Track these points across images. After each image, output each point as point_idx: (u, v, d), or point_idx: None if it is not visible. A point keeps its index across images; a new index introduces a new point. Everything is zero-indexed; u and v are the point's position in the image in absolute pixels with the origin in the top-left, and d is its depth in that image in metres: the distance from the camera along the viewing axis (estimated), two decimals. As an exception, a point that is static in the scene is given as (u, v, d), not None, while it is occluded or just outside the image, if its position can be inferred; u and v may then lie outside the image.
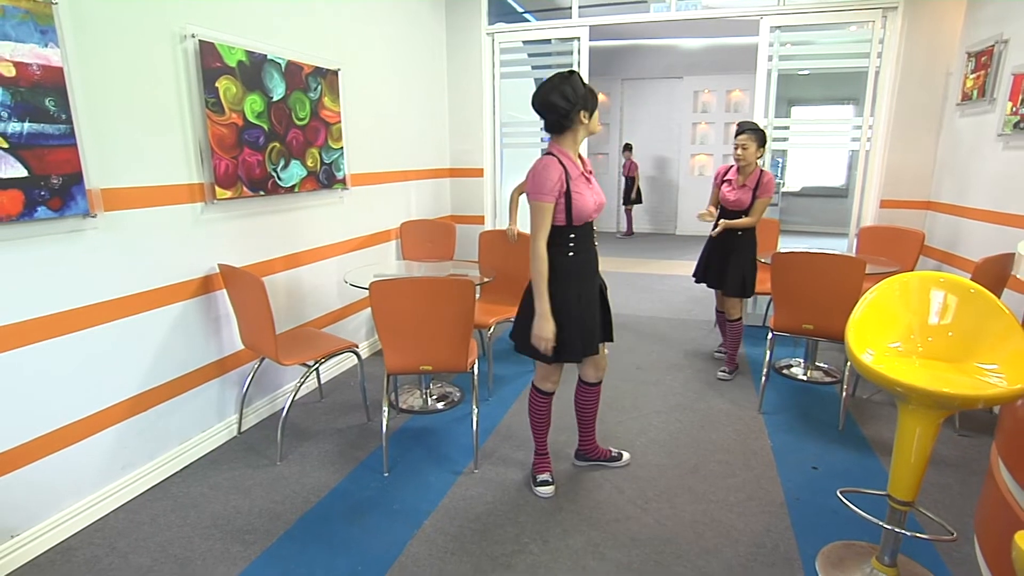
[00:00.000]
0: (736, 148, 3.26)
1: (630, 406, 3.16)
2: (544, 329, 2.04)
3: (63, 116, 1.94)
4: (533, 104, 2.04)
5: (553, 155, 2.04)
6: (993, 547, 1.74)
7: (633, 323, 4.68)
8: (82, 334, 2.10)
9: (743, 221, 3.29)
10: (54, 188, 1.92)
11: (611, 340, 2.32)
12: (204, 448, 2.66)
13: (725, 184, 3.39)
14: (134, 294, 2.28)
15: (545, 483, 2.35)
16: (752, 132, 3.22)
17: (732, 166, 3.39)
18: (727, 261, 3.39)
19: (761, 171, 3.28)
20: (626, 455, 2.58)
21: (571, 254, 2.09)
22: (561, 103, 1.98)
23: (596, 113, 2.08)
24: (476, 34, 4.63)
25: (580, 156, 2.13)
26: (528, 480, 2.42)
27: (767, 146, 3.45)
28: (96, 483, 2.20)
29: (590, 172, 2.14)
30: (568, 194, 2.01)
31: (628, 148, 9.15)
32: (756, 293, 3.87)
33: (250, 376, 2.81)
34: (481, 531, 2.12)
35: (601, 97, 9.68)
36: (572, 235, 2.08)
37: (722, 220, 3.35)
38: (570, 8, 4.45)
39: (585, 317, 2.12)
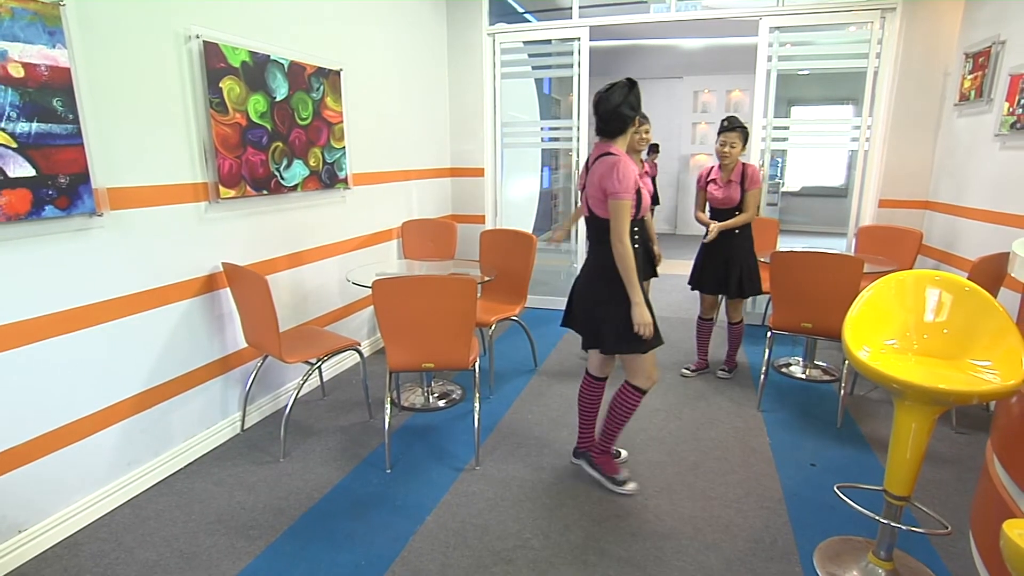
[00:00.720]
0: (724, 145, 3.20)
1: (630, 404, 3.18)
2: (644, 315, 2.12)
3: (70, 116, 1.96)
4: (598, 110, 2.14)
5: (615, 154, 2.11)
6: (988, 541, 1.76)
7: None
8: (88, 332, 2.12)
9: (739, 219, 3.26)
10: (61, 187, 1.94)
11: None
12: (208, 445, 2.68)
13: (711, 184, 3.35)
14: (139, 292, 2.30)
15: (628, 480, 2.38)
16: (741, 131, 3.20)
17: (713, 166, 3.37)
18: (727, 264, 3.33)
19: (744, 164, 3.25)
20: (624, 452, 2.60)
21: (636, 246, 2.16)
22: (629, 113, 2.13)
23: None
24: (477, 34, 4.65)
25: None
26: (529, 475, 2.45)
27: (766, 145, 3.47)
28: (102, 479, 2.23)
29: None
30: (638, 190, 2.12)
31: (655, 149, 8.41)
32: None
33: (253, 374, 2.84)
34: (483, 526, 2.14)
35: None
36: (636, 228, 2.17)
37: (714, 223, 3.29)
38: (570, 8, 4.48)
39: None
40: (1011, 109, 3.02)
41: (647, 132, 3.10)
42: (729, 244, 3.32)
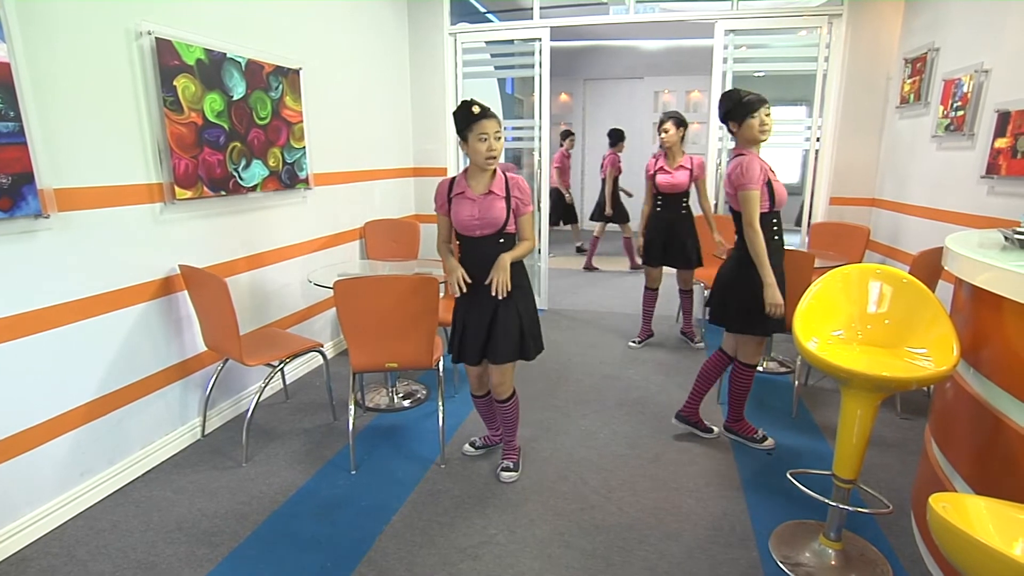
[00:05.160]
0: (660, 132, 3.74)
1: (594, 399, 3.24)
2: (776, 296, 2.37)
3: (11, 114, 1.88)
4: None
5: (746, 154, 2.37)
6: (925, 517, 1.87)
7: (595, 318, 4.77)
8: (36, 338, 2.05)
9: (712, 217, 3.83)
10: (3, 188, 1.87)
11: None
12: (167, 452, 2.61)
13: (660, 172, 3.80)
14: (91, 296, 2.23)
15: (765, 437, 2.71)
16: (676, 119, 3.72)
17: (658, 156, 3.84)
18: (674, 238, 3.83)
19: (690, 155, 3.76)
20: (716, 429, 2.83)
21: (775, 237, 2.43)
22: (720, 111, 2.45)
23: (750, 119, 2.35)
24: (438, 34, 4.64)
25: None
26: (494, 471, 2.47)
27: (723, 144, 3.58)
28: (53, 491, 2.15)
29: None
30: (770, 184, 2.37)
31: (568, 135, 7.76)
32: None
33: (213, 378, 2.78)
34: (449, 524, 2.15)
35: (564, 97, 9.81)
36: (775, 220, 2.44)
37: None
38: (532, 9, 4.52)
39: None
40: (945, 112, 3.20)
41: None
42: (674, 221, 3.82)
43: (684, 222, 3.83)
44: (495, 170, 2.23)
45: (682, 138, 3.72)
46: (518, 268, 2.26)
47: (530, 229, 2.27)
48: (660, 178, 3.77)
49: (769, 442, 2.69)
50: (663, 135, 3.71)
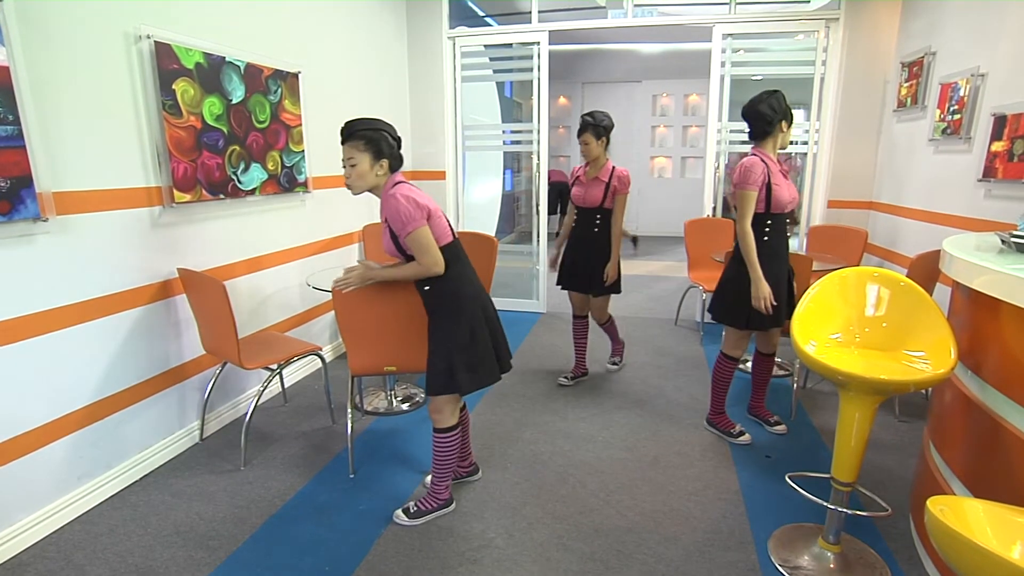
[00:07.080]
0: (580, 144, 3.08)
1: (592, 402, 3.24)
2: (761, 289, 2.45)
3: (10, 117, 1.88)
4: (743, 114, 2.50)
5: (756, 155, 2.45)
6: (923, 520, 1.88)
7: (593, 322, 4.76)
8: (34, 341, 2.04)
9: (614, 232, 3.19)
10: (1, 191, 1.87)
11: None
12: (165, 456, 2.61)
13: (576, 184, 3.21)
14: (90, 299, 2.23)
15: (741, 432, 2.79)
16: (594, 128, 3.04)
17: (581, 166, 3.23)
18: (591, 263, 3.21)
19: (614, 167, 3.13)
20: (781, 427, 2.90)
21: (765, 239, 2.49)
22: (768, 112, 2.42)
23: (791, 125, 2.50)
24: (437, 38, 4.66)
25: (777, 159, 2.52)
26: (493, 475, 2.47)
27: (721, 148, 3.49)
28: (50, 495, 2.14)
29: (785, 171, 2.53)
30: (769, 186, 2.43)
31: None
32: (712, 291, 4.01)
33: (212, 381, 2.77)
34: (447, 528, 2.15)
35: (562, 100, 9.83)
36: (769, 220, 2.49)
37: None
38: (530, 13, 4.53)
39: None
40: (942, 116, 3.21)
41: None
42: (585, 239, 3.22)
43: (596, 242, 3.18)
44: (384, 193, 2.06)
45: (606, 146, 3.10)
46: (431, 295, 2.09)
47: (419, 251, 1.96)
48: (574, 190, 3.21)
49: (745, 437, 2.76)
50: (583, 147, 3.08)
